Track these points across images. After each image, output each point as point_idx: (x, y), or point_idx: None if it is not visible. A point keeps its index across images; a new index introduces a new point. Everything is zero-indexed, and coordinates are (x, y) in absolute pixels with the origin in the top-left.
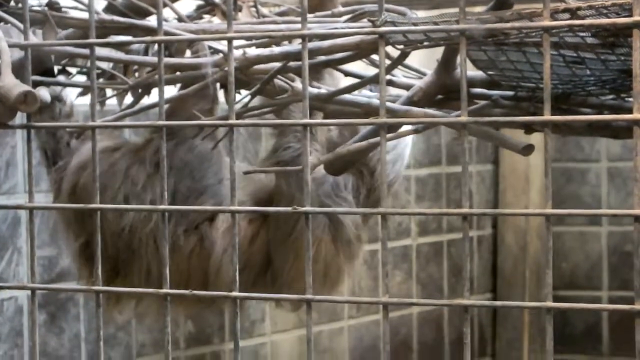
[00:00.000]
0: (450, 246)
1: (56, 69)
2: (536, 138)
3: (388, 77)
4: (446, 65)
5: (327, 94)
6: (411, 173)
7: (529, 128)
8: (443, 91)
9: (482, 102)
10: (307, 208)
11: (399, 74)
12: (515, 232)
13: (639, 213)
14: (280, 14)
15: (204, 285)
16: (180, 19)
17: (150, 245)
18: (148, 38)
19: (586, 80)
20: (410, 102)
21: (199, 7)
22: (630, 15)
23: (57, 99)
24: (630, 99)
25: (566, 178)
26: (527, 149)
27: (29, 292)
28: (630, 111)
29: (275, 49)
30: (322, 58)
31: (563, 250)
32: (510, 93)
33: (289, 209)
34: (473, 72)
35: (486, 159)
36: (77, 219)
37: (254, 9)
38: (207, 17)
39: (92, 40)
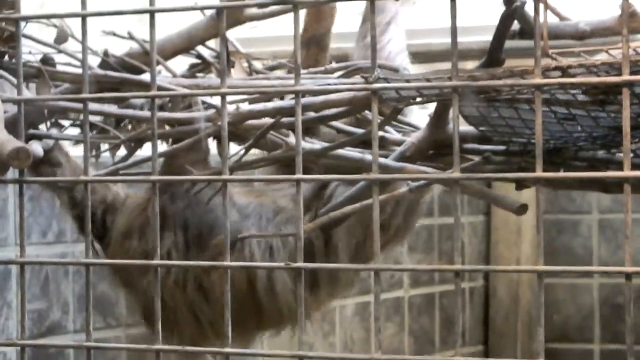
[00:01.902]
0: (443, 298)
1: (49, 122)
2: (528, 191)
3: (381, 133)
4: (438, 120)
5: (320, 149)
6: None
7: (520, 183)
8: (435, 146)
9: (475, 160)
10: (300, 264)
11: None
12: (507, 285)
13: (629, 270)
14: (271, 68)
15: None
16: (173, 76)
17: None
18: (141, 93)
19: (577, 135)
20: (402, 157)
21: (192, 66)
22: (620, 74)
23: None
24: (621, 154)
25: (558, 230)
26: (522, 209)
27: (18, 347)
28: (620, 165)
29: (269, 104)
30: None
31: (555, 303)
32: (502, 148)
33: (282, 264)
34: (465, 127)
35: (478, 211)
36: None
37: (246, 65)
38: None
39: (85, 95)
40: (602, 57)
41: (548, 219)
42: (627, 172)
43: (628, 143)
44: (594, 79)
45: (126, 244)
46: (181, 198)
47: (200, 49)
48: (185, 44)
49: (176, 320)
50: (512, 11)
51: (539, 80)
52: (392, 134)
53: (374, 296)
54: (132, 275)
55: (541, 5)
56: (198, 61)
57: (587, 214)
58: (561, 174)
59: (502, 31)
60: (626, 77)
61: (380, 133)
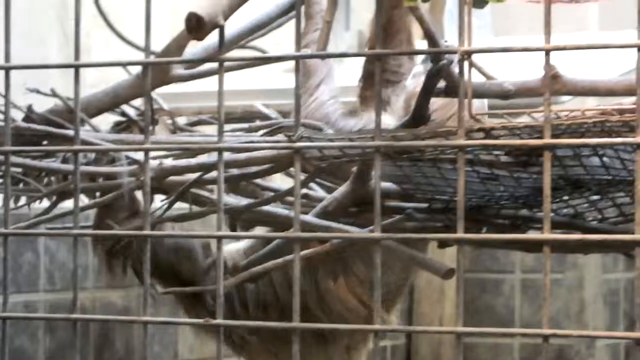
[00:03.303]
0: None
1: None
2: (452, 248)
3: (304, 190)
4: (361, 176)
5: (244, 206)
6: None
7: (443, 242)
8: (358, 202)
9: (396, 217)
10: (220, 321)
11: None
12: (429, 343)
13: (546, 332)
14: (193, 124)
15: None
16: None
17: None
18: (65, 147)
19: (500, 195)
20: (324, 211)
21: (116, 124)
22: (541, 137)
23: None
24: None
25: (480, 289)
26: (449, 274)
27: None
28: (542, 223)
29: (192, 161)
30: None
31: None
32: (425, 205)
33: (202, 320)
34: (388, 184)
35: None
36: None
37: (170, 121)
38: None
39: (7, 147)
40: (524, 120)
41: (471, 277)
42: (547, 235)
43: (548, 205)
44: (516, 142)
45: None
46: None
47: (125, 107)
48: (110, 102)
49: None
50: (438, 69)
51: (462, 141)
52: (317, 190)
53: (293, 356)
54: None
55: (466, 64)
56: (122, 119)
57: (510, 274)
58: (482, 235)
59: (428, 88)
60: (547, 140)
61: (305, 190)
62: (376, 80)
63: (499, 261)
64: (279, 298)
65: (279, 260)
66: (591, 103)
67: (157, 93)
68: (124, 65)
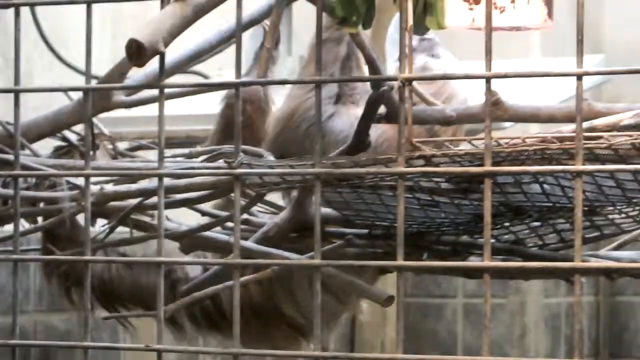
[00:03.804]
0: None
1: None
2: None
3: (245, 216)
4: (301, 202)
5: (184, 231)
6: None
7: (383, 269)
8: (298, 228)
9: (337, 243)
10: (159, 346)
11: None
12: None
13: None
14: (133, 149)
15: None
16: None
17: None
18: (5, 172)
19: (440, 221)
20: (265, 237)
21: (57, 148)
22: (482, 165)
23: None
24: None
25: (423, 314)
26: (388, 301)
27: None
28: (482, 249)
29: (132, 186)
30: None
31: None
32: (365, 231)
33: (142, 345)
34: (328, 209)
35: None
36: None
37: (111, 147)
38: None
39: None
40: (465, 147)
41: (413, 302)
42: (487, 263)
43: (489, 233)
44: (456, 169)
45: None
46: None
47: (66, 132)
48: (51, 128)
49: None
50: (379, 95)
51: (402, 168)
52: (257, 216)
53: None
54: None
55: (407, 90)
56: (63, 144)
57: (452, 298)
58: (422, 262)
59: (368, 115)
60: (488, 167)
61: (245, 215)
62: (316, 105)
63: (441, 286)
64: (252, 297)
65: (220, 285)
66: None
67: (100, 117)
68: (64, 90)
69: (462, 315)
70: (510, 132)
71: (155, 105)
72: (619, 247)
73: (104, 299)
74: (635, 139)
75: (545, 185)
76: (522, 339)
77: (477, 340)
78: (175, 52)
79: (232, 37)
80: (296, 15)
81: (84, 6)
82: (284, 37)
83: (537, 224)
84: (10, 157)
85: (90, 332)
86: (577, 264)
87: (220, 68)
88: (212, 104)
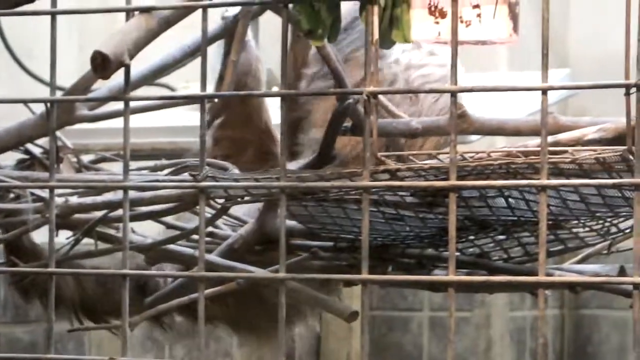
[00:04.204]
0: None
1: None
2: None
3: (210, 229)
4: (267, 215)
5: (149, 244)
6: None
7: (348, 282)
8: (263, 240)
9: (301, 255)
10: (123, 359)
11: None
12: None
13: None
14: (97, 161)
15: None
16: None
17: None
18: None
19: (405, 235)
20: (230, 249)
21: (19, 161)
22: (447, 179)
23: None
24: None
25: (388, 327)
26: (353, 316)
27: None
28: (448, 261)
29: (98, 198)
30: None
31: None
32: (330, 244)
33: (107, 358)
34: (293, 222)
35: None
36: None
37: (75, 159)
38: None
39: None
40: (430, 161)
41: (379, 315)
42: (451, 277)
43: (454, 247)
44: (421, 183)
45: None
46: None
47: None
48: (14, 141)
49: None
50: (344, 108)
51: (366, 182)
52: (223, 229)
53: None
54: None
55: (372, 102)
56: (25, 157)
57: (418, 311)
58: (387, 276)
59: (333, 128)
60: (453, 181)
61: (210, 228)
62: (281, 119)
63: (407, 299)
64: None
65: (184, 298)
66: (500, 143)
67: (65, 129)
68: (26, 102)
69: (428, 328)
70: (476, 146)
71: (121, 117)
72: (582, 261)
73: (85, 313)
74: (599, 153)
75: (510, 199)
76: (488, 352)
77: (443, 353)
78: (139, 66)
79: (196, 51)
80: (263, 30)
81: (49, 16)
82: None
83: (502, 237)
84: None
85: (55, 344)
86: (541, 277)
87: (188, 81)
88: (178, 116)
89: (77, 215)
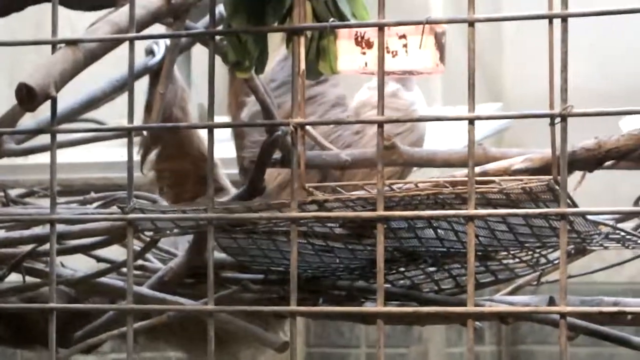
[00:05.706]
0: None
1: None
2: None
3: (140, 262)
4: (197, 247)
5: (78, 278)
6: None
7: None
8: (194, 273)
9: (232, 288)
10: None
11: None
12: None
13: None
14: (24, 195)
15: None
16: None
17: None
18: None
19: (335, 267)
20: (160, 281)
21: None
22: (375, 209)
23: None
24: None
25: None
26: (283, 347)
27: None
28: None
29: (25, 232)
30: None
31: None
32: (261, 276)
33: None
34: (224, 255)
35: None
36: None
37: (2, 194)
38: None
39: None
40: (358, 192)
41: (317, 352)
42: (380, 308)
43: (382, 278)
44: (349, 214)
45: None
46: None
47: None
48: None
49: None
50: (273, 140)
51: (294, 213)
52: (153, 262)
53: None
54: None
55: (299, 134)
56: None
57: (355, 348)
58: (315, 308)
59: (263, 159)
60: (381, 212)
61: (141, 261)
62: (208, 151)
63: (344, 335)
64: None
65: (115, 331)
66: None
67: None
68: None
69: None
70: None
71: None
72: (514, 292)
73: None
74: (526, 183)
75: (439, 230)
76: None
77: None
78: (68, 100)
79: (125, 85)
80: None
81: None
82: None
83: (432, 269)
84: None
85: None
86: (469, 308)
87: (122, 117)
88: (110, 152)
89: (3, 250)
